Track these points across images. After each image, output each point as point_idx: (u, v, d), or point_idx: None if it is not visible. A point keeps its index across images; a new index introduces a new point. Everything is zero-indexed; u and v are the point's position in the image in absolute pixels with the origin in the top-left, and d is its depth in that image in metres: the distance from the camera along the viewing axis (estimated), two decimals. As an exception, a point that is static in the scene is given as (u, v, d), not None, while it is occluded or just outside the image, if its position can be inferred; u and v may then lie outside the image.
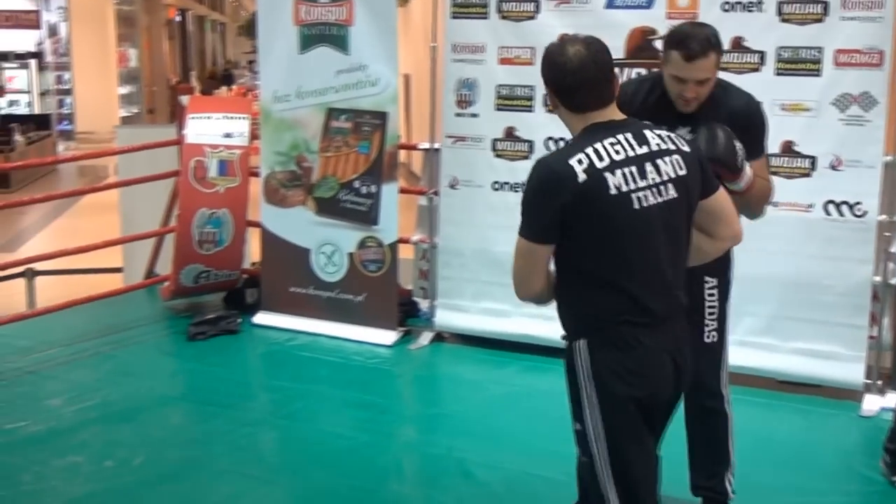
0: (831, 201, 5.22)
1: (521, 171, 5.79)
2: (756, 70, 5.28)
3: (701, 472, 3.81)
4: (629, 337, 2.77)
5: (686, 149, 2.85)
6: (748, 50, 5.28)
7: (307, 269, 6.46)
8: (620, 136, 2.78)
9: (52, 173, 18.83)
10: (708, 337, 3.64)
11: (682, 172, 2.80)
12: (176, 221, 6.77)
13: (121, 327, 6.51)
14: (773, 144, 5.24)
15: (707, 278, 3.60)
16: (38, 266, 8.98)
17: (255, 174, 6.71)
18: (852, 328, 5.24)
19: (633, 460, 2.85)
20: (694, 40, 3.37)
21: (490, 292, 5.94)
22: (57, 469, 4.42)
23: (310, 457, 4.56)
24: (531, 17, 5.79)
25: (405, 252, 6.46)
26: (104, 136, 21.43)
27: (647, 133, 2.81)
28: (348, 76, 6.22)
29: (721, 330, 3.67)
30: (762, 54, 5.27)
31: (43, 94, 22.48)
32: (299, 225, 6.48)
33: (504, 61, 5.90)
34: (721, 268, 3.58)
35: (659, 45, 5.40)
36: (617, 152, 2.75)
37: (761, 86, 5.21)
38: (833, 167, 5.20)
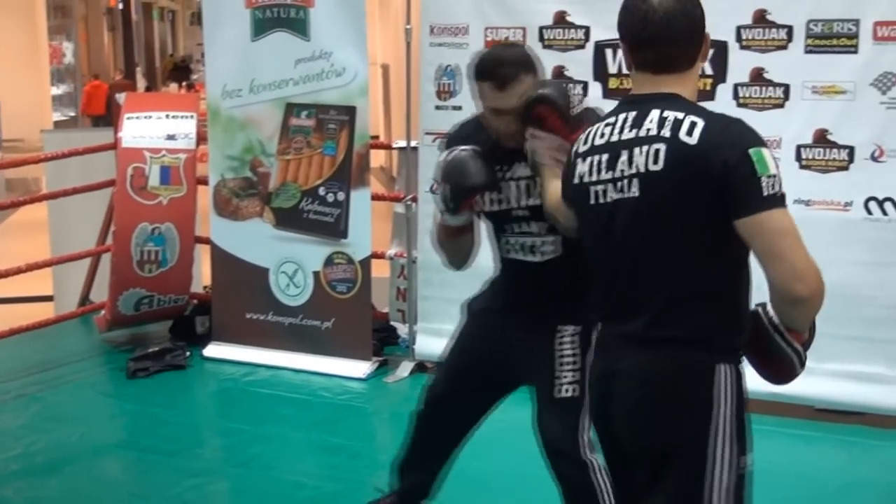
0: (873, 198, 5.16)
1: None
2: (783, 48, 5.24)
3: None
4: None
5: (687, 140, 2.46)
6: (773, 24, 5.24)
7: (266, 293, 6.41)
8: (622, 115, 2.60)
9: (-25, 188, 18.75)
10: (562, 391, 3.42)
11: (656, 168, 2.49)
12: (112, 239, 6.68)
13: (50, 364, 6.48)
14: (804, 133, 5.20)
15: (561, 327, 3.44)
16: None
17: (204, 182, 6.66)
18: (900, 345, 5.19)
19: None
20: (503, 65, 3.34)
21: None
22: (-31, 533, 4.37)
23: (268, 511, 4.53)
24: (521, -8, 5.76)
25: (380, 269, 6.41)
26: (35, 144, 21.40)
27: (654, 113, 2.53)
28: (310, 65, 6.17)
29: (583, 384, 3.33)
30: (790, 29, 5.21)
31: (-35, 96, 22.47)
32: (256, 240, 6.43)
33: (490, 44, 5.81)
34: (579, 315, 3.33)
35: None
36: (602, 135, 2.63)
37: (789, 65, 5.19)
38: (874, 158, 5.15)
